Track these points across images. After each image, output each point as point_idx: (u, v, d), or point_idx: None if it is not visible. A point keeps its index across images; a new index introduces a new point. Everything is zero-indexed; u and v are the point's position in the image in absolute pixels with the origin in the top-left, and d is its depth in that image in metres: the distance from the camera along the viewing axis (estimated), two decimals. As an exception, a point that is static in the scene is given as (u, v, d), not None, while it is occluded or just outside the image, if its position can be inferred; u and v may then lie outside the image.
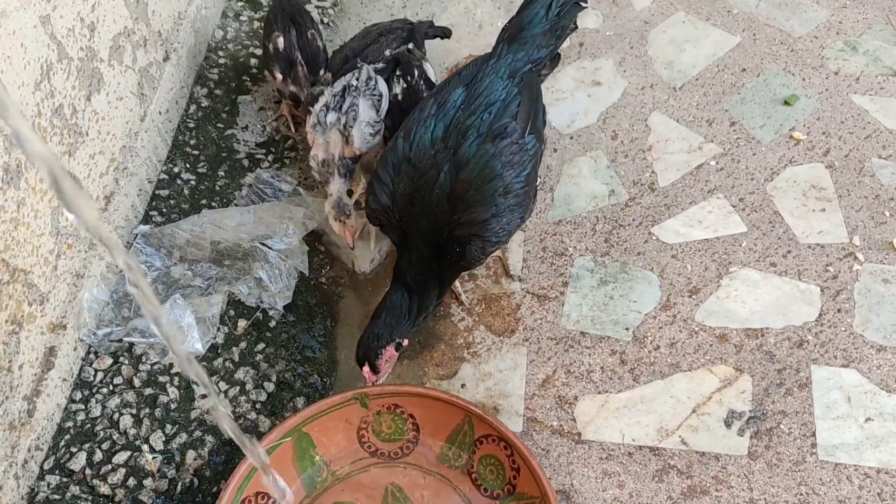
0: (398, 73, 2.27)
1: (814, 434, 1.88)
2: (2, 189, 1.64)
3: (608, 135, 2.51)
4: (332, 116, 2.10)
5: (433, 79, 2.30)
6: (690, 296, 2.13)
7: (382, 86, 2.20)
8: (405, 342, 1.89)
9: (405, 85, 2.24)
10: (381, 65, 2.27)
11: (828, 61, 2.62)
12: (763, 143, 2.43)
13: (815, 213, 2.26)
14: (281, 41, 2.36)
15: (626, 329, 2.08)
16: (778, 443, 1.88)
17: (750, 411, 1.93)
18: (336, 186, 2.10)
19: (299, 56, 2.36)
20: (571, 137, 2.52)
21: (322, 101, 2.13)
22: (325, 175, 2.11)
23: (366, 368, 1.85)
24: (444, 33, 2.65)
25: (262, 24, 2.61)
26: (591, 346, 2.06)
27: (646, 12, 2.85)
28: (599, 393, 1.99)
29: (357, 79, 2.15)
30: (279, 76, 2.36)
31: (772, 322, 2.07)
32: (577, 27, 2.08)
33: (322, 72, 2.41)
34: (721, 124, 2.49)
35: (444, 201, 1.78)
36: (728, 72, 2.63)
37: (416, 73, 2.26)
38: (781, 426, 1.90)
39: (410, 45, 2.40)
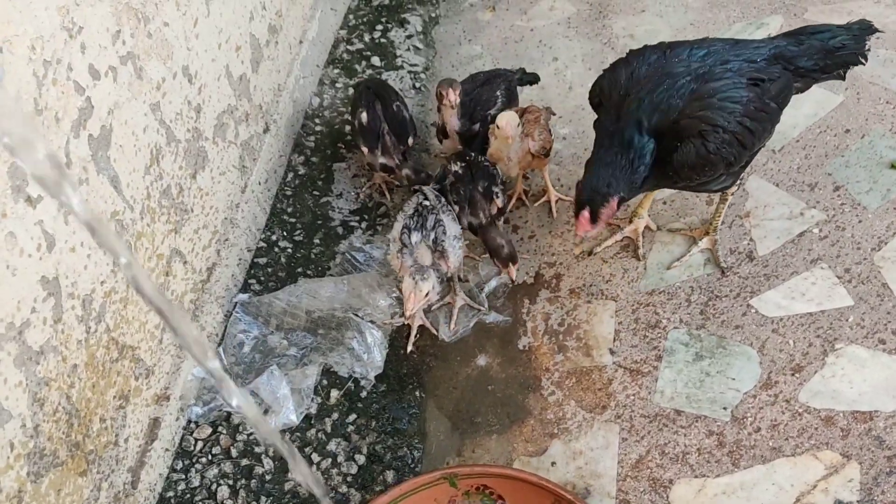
0: (451, 158, 2.33)
1: (931, 530, 1.77)
2: (113, 272, 1.74)
3: (703, 199, 2.45)
4: (416, 236, 2.11)
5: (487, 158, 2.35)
6: (793, 374, 2.04)
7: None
8: (626, 203, 1.95)
9: (463, 163, 2.28)
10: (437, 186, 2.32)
11: (940, 120, 2.49)
12: (869, 210, 2.32)
13: (929, 285, 2.14)
14: (364, 116, 2.44)
15: (724, 408, 2.01)
16: (891, 538, 1.77)
17: (858, 501, 1.83)
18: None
19: (385, 127, 2.42)
20: (665, 203, 2.47)
21: (398, 226, 2.15)
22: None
23: (585, 214, 1.88)
24: (534, 79, 2.76)
25: (350, 103, 2.70)
26: (687, 426, 2.00)
27: (742, 71, 2.78)
28: (696, 477, 1.92)
29: (427, 199, 2.18)
30: (365, 149, 2.44)
31: (881, 404, 1.95)
32: (844, 77, 2.13)
33: (410, 140, 2.47)
34: (824, 189, 2.40)
35: (686, 92, 1.88)
36: (830, 133, 2.54)
37: (473, 153, 2.33)
38: (894, 520, 1.79)
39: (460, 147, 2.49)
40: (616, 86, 2.00)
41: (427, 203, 2.16)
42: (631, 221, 2.37)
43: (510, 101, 2.57)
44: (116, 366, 1.77)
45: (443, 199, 2.21)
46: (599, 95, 2.06)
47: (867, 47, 2.07)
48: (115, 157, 1.74)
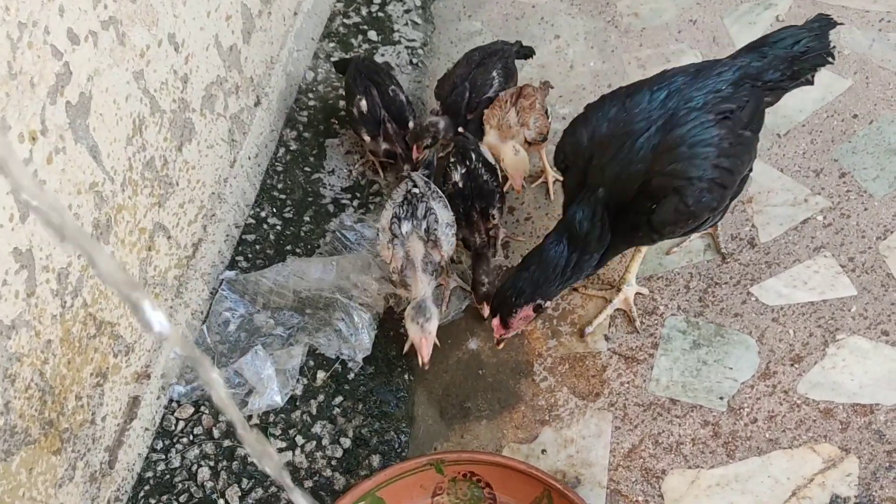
0: (453, 159, 2.25)
1: (930, 528, 1.72)
2: (92, 244, 1.67)
3: (705, 184, 2.38)
4: (406, 226, 2.01)
5: (491, 160, 2.27)
6: (792, 364, 1.98)
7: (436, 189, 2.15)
8: (547, 304, 1.79)
9: (464, 170, 2.21)
10: (426, 171, 2.27)
11: (951, 107, 2.42)
12: (876, 198, 2.25)
13: (935, 276, 2.07)
14: (364, 104, 2.39)
15: (721, 398, 1.96)
16: (888, 535, 1.72)
17: (855, 497, 1.77)
18: (421, 287, 1.95)
19: (385, 114, 2.38)
20: (665, 186, 2.40)
21: (387, 215, 2.05)
22: (405, 281, 1.98)
23: (496, 321, 1.79)
24: (529, 53, 2.70)
25: (344, 89, 2.64)
26: (682, 416, 1.94)
27: (748, 52, 2.71)
28: (690, 468, 1.87)
29: (416, 186, 2.08)
30: (367, 138, 2.39)
31: (883, 398, 1.90)
32: (812, 82, 1.98)
33: (410, 123, 2.41)
34: (830, 175, 2.33)
35: (648, 152, 1.72)
36: (838, 118, 2.46)
37: (474, 156, 2.24)
38: (892, 516, 1.74)
39: (461, 129, 2.40)
40: (579, 150, 1.83)
41: (416, 190, 2.07)
42: (619, 290, 2.14)
43: (507, 80, 2.50)
44: (94, 342, 1.71)
45: (432, 186, 2.13)
46: (565, 161, 1.90)
47: (832, 45, 1.95)
48: (95, 125, 1.67)
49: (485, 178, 2.19)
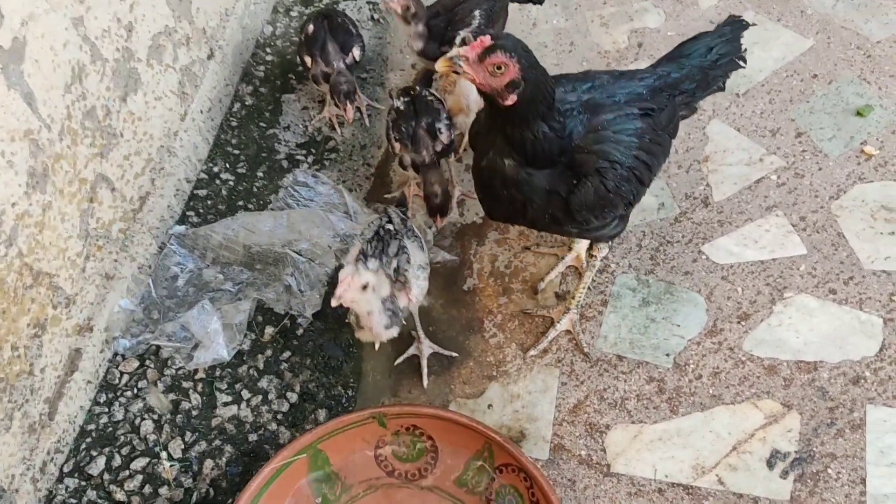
0: (395, 93, 2.22)
1: (864, 481, 1.73)
2: (27, 194, 1.64)
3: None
4: (373, 264, 1.74)
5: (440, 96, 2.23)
6: (739, 322, 1.99)
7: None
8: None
9: (407, 98, 2.16)
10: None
11: (910, 68, 2.41)
12: (831, 157, 2.25)
13: (884, 236, 2.07)
14: (311, 27, 2.42)
15: (667, 355, 1.96)
16: (824, 488, 1.74)
17: (796, 452, 1.79)
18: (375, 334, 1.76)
19: (329, 35, 2.41)
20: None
21: (354, 251, 1.81)
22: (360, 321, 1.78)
23: (485, 39, 1.51)
24: None
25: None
26: (628, 372, 1.95)
27: (712, 11, 2.68)
28: (633, 423, 1.88)
29: (391, 222, 1.88)
30: (308, 58, 2.40)
31: (827, 355, 1.91)
32: (724, 89, 1.93)
33: (356, 51, 2.43)
34: (786, 135, 2.32)
35: (583, 119, 1.66)
36: (797, 77, 2.45)
37: (419, 88, 2.20)
38: (829, 470, 1.76)
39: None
40: None
41: (390, 227, 1.87)
42: (567, 311, 2.05)
43: (490, 24, 2.40)
44: (31, 293, 1.69)
45: (409, 223, 1.96)
46: None
47: (744, 48, 1.90)
48: (30, 71, 1.63)
49: (428, 98, 2.15)
